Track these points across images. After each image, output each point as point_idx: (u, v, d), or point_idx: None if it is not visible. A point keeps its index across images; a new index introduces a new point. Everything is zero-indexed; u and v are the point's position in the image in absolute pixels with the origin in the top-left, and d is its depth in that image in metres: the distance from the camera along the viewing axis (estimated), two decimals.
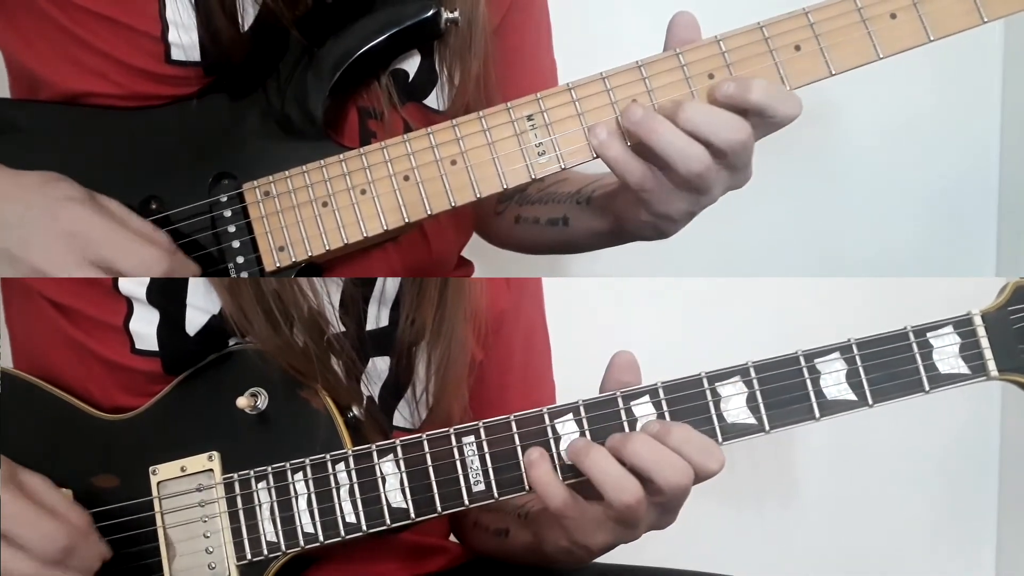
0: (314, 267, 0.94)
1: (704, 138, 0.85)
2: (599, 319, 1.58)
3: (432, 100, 1.01)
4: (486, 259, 1.21)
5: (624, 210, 0.97)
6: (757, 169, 0.91)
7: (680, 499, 0.85)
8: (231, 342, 0.92)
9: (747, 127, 0.86)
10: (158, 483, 0.90)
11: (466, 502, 0.87)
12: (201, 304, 0.92)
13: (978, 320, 0.88)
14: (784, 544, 1.73)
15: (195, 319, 0.92)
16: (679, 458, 0.82)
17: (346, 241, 0.92)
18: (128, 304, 0.92)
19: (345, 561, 0.96)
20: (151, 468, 0.90)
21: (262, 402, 0.90)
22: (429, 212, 0.91)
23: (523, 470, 0.86)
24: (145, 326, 0.92)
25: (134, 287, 0.91)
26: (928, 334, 0.88)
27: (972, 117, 1.77)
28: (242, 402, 0.89)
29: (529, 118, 0.91)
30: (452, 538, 1.11)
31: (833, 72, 0.90)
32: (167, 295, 0.91)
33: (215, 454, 0.90)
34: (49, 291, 0.93)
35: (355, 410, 0.91)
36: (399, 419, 0.98)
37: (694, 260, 1.64)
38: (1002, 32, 1.73)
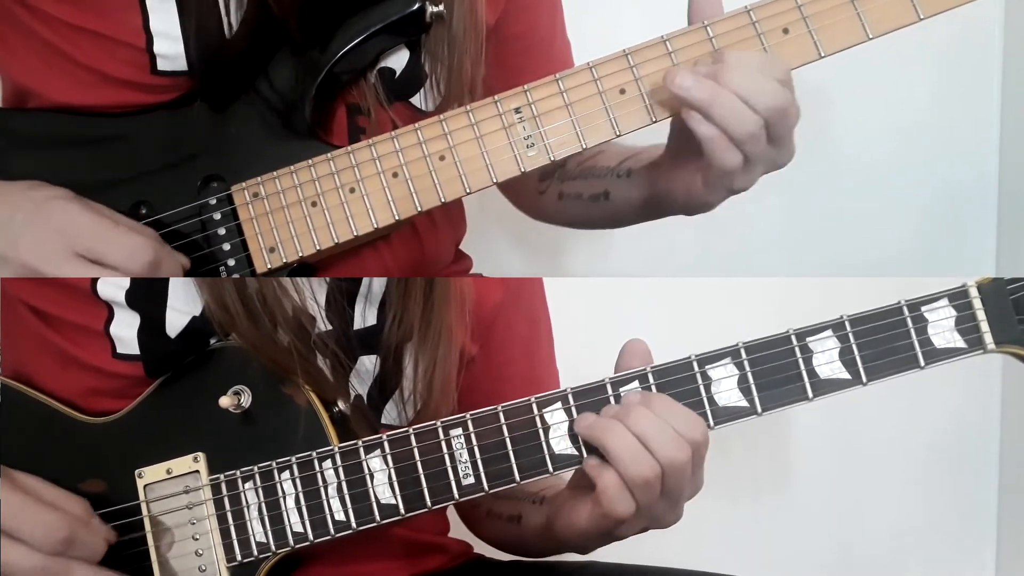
0: (307, 268, 0.94)
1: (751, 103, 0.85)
2: (599, 319, 1.56)
3: (418, 100, 1.00)
4: (485, 257, 1.20)
5: (667, 182, 0.97)
6: None
7: (681, 481, 0.83)
8: (212, 342, 0.91)
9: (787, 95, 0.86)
10: (145, 486, 0.89)
11: (456, 495, 0.86)
12: (181, 305, 0.91)
13: (974, 292, 0.86)
14: (781, 537, 1.71)
15: (176, 321, 0.91)
16: (674, 431, 0.81)
17: (336, 240, 0.91)
18: (108, 308, 0.91)
19: (340, 559, 0.94)
20: (137, 471, 0.89)
21: (246, 400, 0.88)
22: (419, 208, 0.91)
23: (512, 459, 0.85)
24: (126, 329, 0.91)
25: (114, 291, 0.90)
26: (923, 308, 0.86)
27: (971, 117, 1.76)
28: (225, 401, 0.88)
29: (517, 111, 0.90)
30: (451, 535, 1.09)
31: (823, 54, 0.89)
32: (147, 298, 0.90)
33: (200, 455, 0.88)
34: (29, 297, 0.93)
35: (340, 405, 0.90)
36: (387, 419, 0.97)
37: (694, 260, 1.63)
38: (1001, 31, 1.72)
